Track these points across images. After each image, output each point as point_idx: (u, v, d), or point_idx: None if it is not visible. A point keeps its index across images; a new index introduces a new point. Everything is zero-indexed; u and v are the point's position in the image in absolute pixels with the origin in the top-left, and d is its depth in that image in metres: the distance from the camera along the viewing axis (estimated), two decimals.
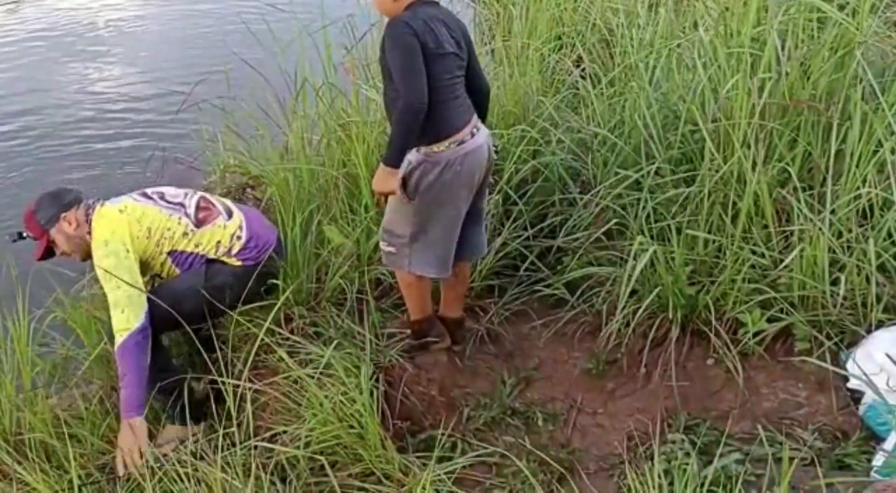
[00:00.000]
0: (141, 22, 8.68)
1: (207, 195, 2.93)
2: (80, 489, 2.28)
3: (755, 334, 2.48)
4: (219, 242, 2.76)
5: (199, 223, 2.76)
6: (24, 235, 2.81)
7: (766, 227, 2.62)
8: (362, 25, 3.76)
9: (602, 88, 3.38)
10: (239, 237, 2.79)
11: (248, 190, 3.55)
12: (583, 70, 3.66)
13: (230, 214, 2.84)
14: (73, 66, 7.36)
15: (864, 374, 2.01)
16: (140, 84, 6.67)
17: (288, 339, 2.69)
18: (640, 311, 2.57)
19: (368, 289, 2.88)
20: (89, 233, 2.70)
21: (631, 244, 2.73)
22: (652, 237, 2.71)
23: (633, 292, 2.68)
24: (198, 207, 2.81)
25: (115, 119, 5.95)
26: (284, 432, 2.48)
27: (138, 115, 5.98)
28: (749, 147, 2.54)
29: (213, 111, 4.01)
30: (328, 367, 2.57)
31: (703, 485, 1.96)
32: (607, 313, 2.73)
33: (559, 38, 4.10)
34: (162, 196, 2.81)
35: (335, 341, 2.65)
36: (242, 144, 3.78)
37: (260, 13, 3.75)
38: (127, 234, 2.65)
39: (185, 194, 2.87)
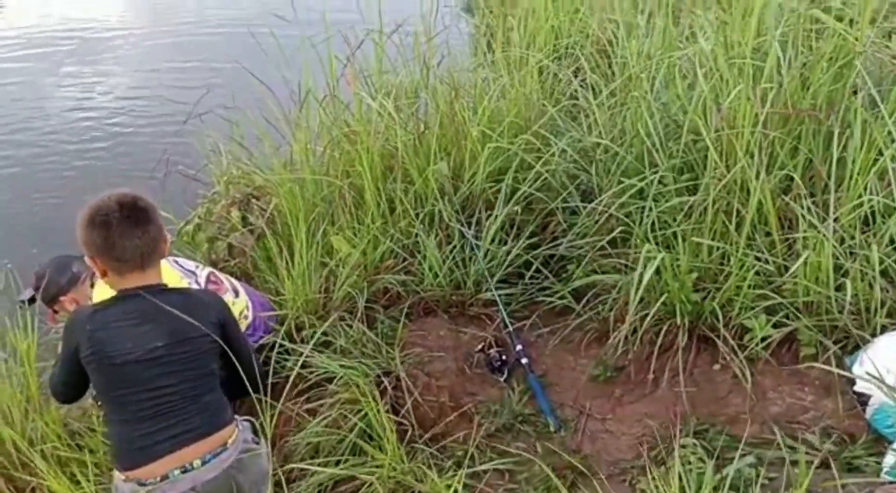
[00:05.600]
0: (141, 32, 8.76)
1: (216, 271, 2.96)
2: None
3: (761, 339, 2.52)
4: None
5: None
6: (35, 298, 2.84)
7: (768, 234, 2.66)
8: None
9: (603, 99, 3.42)
10: (245, 317, 2.82)
11: (253, 200, 3.56)
12: (582, 81, 3.69)
13: (237, 294, 2.87)
14: (71, 78, 7.40)
15: (872, 376, 2.05)
16: (142, 95, 6.73)
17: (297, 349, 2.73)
18: (648, 318, 2.60)
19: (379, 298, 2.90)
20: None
21: (636, 252, 2.78)
22: (657, 245, 2.75)
23: (639, 298, 2.73)
24: (208, 280, 2.83)
25: (116, 131, 6.02)
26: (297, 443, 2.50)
27: (140, 127, 6.05)
28: (752, 156, 2.59)
29: (217, 122, 4.02)
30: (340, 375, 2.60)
31: (717, 489, 1.99)
32: (614, 320, 2.77)
33: (556, 49, 4.14)
34: (175, 260, 2.86)
35: (346, 350, 2.68)
36: (246, 155, 3.80)
37: (266, 24, 3.76)
38: None
39: (196, 266, 2.90)
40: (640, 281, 2.55)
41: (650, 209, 2.79)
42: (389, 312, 3.00)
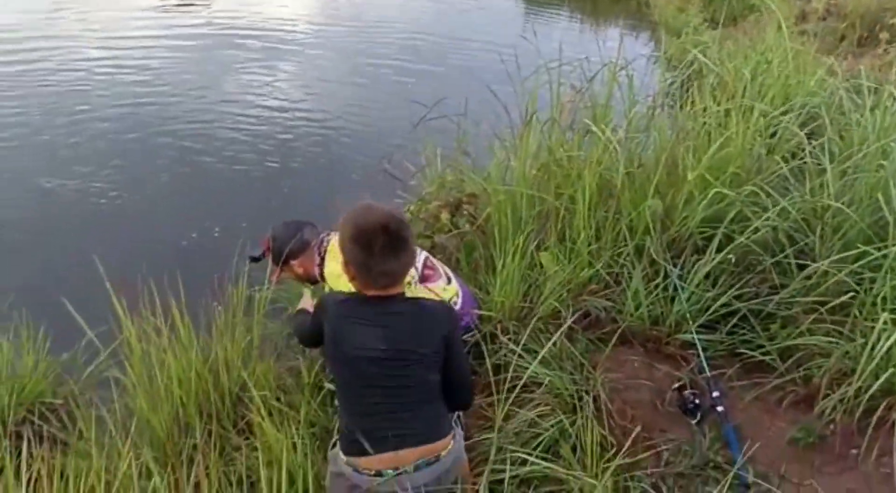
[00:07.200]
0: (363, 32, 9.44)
1: (431, 257, 3.02)
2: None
3: None
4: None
5: (422, 279, 2.84)
6: (263, 256, 3.04)
7: None
8: (595, 67, 3.92)
9: (837, 162, 3.34)
10: (455, 303, 2.86)
11: (464, 205, 3.71)
12: (812, 145, 3.59)
13: (449, 281, 2.93)
14: (289, 72, 8.03)
15: None
16: (360, 94, 7.23)
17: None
18: (869, 392, 2.51)
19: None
20: (320, 264, 2.89)
21: (853, 320, 2.71)
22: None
23: (853, 369, 2.64)
24: (424, 264, 2.89)
25: (342, 129, 6.51)
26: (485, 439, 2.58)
27: (357, 122, 6.53)
28: None
29: (432, 127, 4.22)
30: (537, 383, 2.68)
31: None
32: (824, 386, 2.68)
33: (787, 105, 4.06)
34: None
35: (546, 361, 2.75)
36: (464, 163, 3.97)
37: (511, 45, 3.92)
38: None
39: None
40: (871, 353, 2.46)
41: (885, 280, 2.69)
42: (587, 334, 3.04)
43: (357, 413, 2.07)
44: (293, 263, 2.96)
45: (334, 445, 2.20)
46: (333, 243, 2.82)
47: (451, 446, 2.13)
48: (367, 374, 2.05)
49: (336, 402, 2.40)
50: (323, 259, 2.87)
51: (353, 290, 2.13)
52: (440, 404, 2.14)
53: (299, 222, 3.01)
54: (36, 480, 2.04)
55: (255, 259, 3.09)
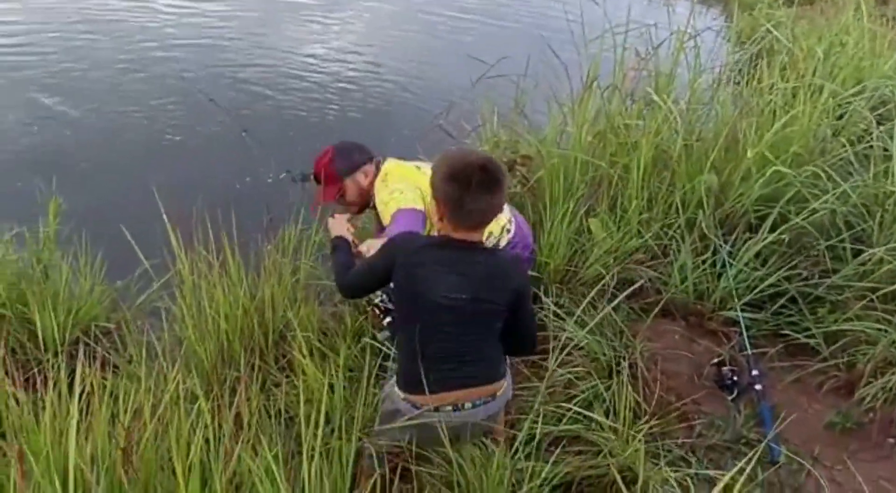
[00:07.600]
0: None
1: None
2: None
3: None
4: (490, 232, 2.76)
5: None
6: (310, 177, 2.99)
7: None
8: (662, 35, 3.84)
9: None
10: (508, 230, 2.82)
11: (517, 167, 3.70)
12: (880, 130, 3.49)
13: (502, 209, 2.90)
14: (367, 31, 8.02)
15: None
16: (435, 49, 7.25)
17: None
18: None
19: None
20: (372, 181, 2.84)
21: None
22: None
23: None
24: None
25: (401, 82, 6.49)
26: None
27: (429, 79, 6.50)
28: None
29: (502, 87, 4.18)
30: (576, 346, 2.69)
31: None
32: (868, 373, 2.65)
33: (857, 86, 3.94)
34: None
35: (585, 324, 2.76)
36: (519, 124, 3.95)
37: (577, 5, 3.84)
38: (421, 185, 2.65)
39: None
40: None
41: None
42: (630, 303, 3.03)
43: (423, 355, 2.09)
44: (347, 180, 2.89)
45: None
46: (387, 169, 2.81)
47: (505, 387, 2.19)
48: (442, 320, 2.08)
49: (395, 341, 2.45)
50: (377, 175, 2.84)
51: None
52: (500, 350, 2.19)
53: (352, 143, 2.96)
54: (89, 393, 2.13)
55: (299, 179, 3.07)
